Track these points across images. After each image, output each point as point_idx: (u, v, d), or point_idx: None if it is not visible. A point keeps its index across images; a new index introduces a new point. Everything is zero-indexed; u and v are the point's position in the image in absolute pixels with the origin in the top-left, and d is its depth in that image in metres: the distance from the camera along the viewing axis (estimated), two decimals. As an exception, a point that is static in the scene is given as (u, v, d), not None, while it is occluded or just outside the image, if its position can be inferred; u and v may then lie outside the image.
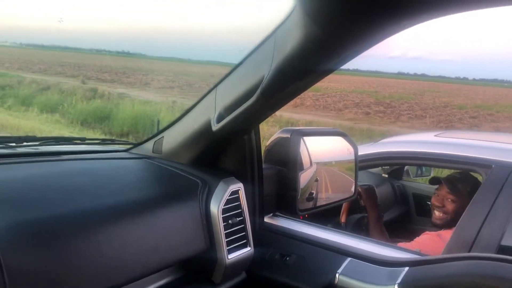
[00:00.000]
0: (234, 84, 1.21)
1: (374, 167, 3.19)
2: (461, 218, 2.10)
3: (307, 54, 0.95)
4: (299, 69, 1.02)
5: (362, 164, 2.64)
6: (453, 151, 2.36)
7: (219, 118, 1.22)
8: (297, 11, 0.91)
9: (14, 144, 1.34)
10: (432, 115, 23.70)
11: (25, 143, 1.37)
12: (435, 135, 2.83)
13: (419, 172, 3.95)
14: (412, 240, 2.41)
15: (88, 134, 11.60)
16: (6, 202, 0.99)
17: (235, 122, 1.19)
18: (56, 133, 10.67)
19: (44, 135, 10.18)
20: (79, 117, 13.39)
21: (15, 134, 10.43)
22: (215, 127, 1.22)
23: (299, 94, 1.14)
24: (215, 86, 1.29)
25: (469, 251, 1.96)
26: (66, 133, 10.96)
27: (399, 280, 1.22)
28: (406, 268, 1.26)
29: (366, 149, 2.69)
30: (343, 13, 0.81)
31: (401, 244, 2.35)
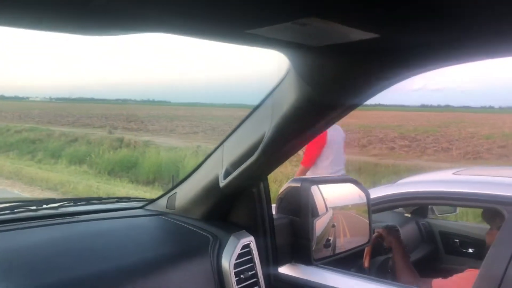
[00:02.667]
0: (239, 141, 1.25)
1: (393, 208, 3.14)
2: (486, 257, 2.04)
3: (303, 113, 0.99)
4: (296, 127, 1.06)
5: (381, 206, 2.62)
6: (473, 189, 2.32)
7: (226, 174, 1.26)
8: (291, 73, 0.96)
9: (34, 208, 1.40)
10: (458, 147, 23.25)
11: (44, 206, 1.43)
12: (454, 173, 2.80)
13: (444, 209, 3.87)
14: (448, 276, 2.33)
15: (115, 183, 11.78)
16: (24, 268, 1.03)
17: (241, 178, 1.23)
18: (84, 184, 10.88)
19: (73, 186, 10.41)
20: (107, 167, 13.63)
21: (45, 186, 10.70)
22: (222, 183, 1.26)
23: (299, 149, 1.18)
24: (222, 142, 1.33)
25: None
26: (94, 183, 11.15)
27: None
28: None
29: (384, 191, 2.67)
30: (333, 76, 0.85)
31: (437, 281, 2.29)
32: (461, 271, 2.43)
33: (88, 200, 1.58)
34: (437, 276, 2.57)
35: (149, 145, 18.41)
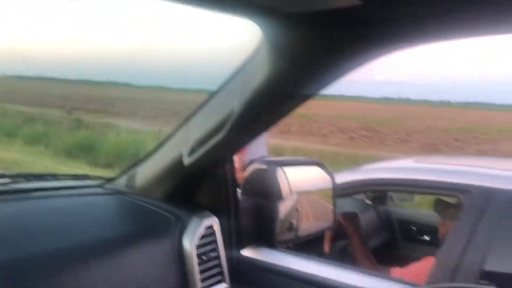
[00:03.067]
0: (206, 118, 1.20)
1: (355, 194, 3.19)
2: (443, 244, 2.08)
3: (275, 88, 0.95)
4: (267, 104, 1.01)
5: (344, 191, 2.63)
6: (432, 177, 2.37)
7: (191, 152, 1.21)
8: (265, 46, 0.91)
9: None
10: (417, 138, 23.94)
11: None
12: (415, 161, 2.85)
13: (403, 197, 3.95)
14: (406, 265, 2.37)
15: (74, 165, 11.48)
16: None
17: (206, 156, 1.18)
18: (39, 164, 10.54)
19: (28, 167, 10.05)
20: (64, 148, 13.27)
21: (-2, 167, 10.30)
22: (187, 161, 1.21)
23: (269, 127, 1.14)
24: (187, 119, 1.28)
25: (452, 278, 1.94)
26: (50, 164, 10.82)
27: None
28: None
29: (347, 176, 2.68)
30: (310, 48, 0.81)
31: (395, 270, 2.33)
32: (418, 258, 2.48)
33: (41, 177, 1.49)
34: (394, 263, 2.62)
35: (109, 127, 18.01)
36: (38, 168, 10.03)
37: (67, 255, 1.02)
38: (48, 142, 13.96)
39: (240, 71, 1.08)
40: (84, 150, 13.15)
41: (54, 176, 1.50)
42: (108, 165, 11.79)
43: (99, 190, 1.49)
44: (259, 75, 0.96)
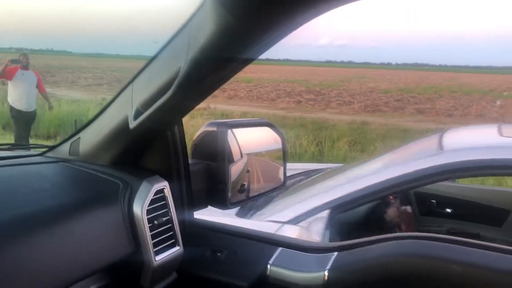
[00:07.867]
0: (151, 78, 1.15)
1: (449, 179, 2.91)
2: None
3: (223, 44, 0.92)
4: (216, 60, 0.98)
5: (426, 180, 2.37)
6: None
7: (137, 115, 1.16)
8: (210, 0, 0.87)
9: None
10: (359, 100, 24.64)
11: None
12: (500, 134, 2.58)
13: None
14: None
15: (11, 138, 10.95)
16: None
17: (153, 118, 1.13)
18: (-27, 139, 9.97)
19: (-40, 141, 9.48)
20: (0, 120, 12.61)
21: None
22: (132, 124, 1.16)
23: (220, 85, 1.10)
24: (131, 81, 1.22)
25: None
26: (-15, 138, 10.27)
27: (328, 266, 1.23)
28: (335, 253, 1.27)
29: (431, 161, 2.38)
30: (257, 1, 0.78)
31: None
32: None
33: None
34: None
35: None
36: (-28, 142, 9.48)
37: (10, 227, 0.96)
38: (-18, 114, 13.20)
39: (185, 28, 1.03)
40: (22, 122, 12.51)
41: (-10, 146, 1.40)
42: (50, 137, 11.37)
43: (41, 158, 1.41)
44: (206, 31, 0.92)
